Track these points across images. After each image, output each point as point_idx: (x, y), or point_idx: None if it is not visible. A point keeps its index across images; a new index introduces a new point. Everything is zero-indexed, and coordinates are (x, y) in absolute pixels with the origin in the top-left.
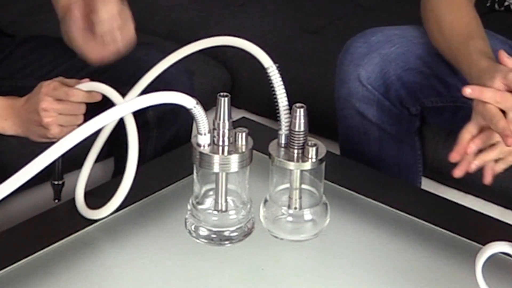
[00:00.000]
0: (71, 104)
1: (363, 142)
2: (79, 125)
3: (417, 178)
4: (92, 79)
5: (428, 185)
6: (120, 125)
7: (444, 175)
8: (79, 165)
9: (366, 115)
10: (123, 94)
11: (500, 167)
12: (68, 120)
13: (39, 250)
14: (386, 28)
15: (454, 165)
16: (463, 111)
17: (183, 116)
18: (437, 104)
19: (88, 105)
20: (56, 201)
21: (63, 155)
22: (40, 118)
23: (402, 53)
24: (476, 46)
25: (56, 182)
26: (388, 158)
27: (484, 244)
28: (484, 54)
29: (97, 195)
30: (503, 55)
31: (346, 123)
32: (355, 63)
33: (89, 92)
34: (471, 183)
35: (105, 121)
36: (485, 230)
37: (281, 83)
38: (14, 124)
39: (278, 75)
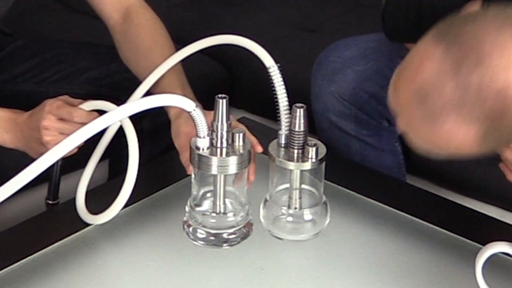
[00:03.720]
0: (73, 124)
1: (345, 153)
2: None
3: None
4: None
5: (427, 186)
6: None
7: (442, 178)
8: (76, 167)
9: (344, 129)
10: (124, 101)
11: None
12: None
13: (39, 250)
14: (360, 40)
15: (448, 165)
16: None
17: None
18: None
19: None
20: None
21: (59, 177)
22: (41, 136)
23: (379, 70)
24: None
25: (51, 202)
26: (371, 167)
27: (484, 244)
28: None
29: (96, 196)
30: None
31: (325, 135)
32: (329, 78)
33: (90, 111)
34: (470, 186)
35: (104, 124)
36: (485, 230)
37: (282, 83)
38: (15, 138)
39: (279, 75)
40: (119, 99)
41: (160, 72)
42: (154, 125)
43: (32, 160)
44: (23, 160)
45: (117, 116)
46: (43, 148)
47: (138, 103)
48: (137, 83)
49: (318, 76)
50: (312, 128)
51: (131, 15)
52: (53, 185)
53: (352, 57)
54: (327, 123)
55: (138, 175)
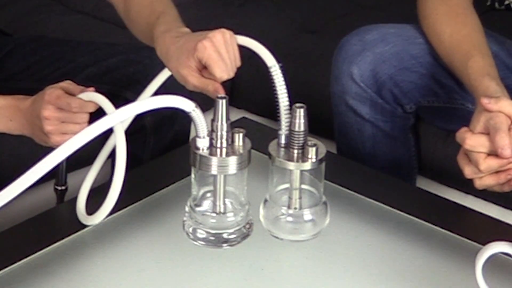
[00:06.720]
0: (72, 113)
1: (357, 138)
2: None
3: (412, 175)
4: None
5: (427, 185)
6: None
7: (443, 175)
8: (78, 166)
9: (359, 112)
10: (124, 97)
11: None
12: (70, 129)
13: (39, 251)
14: (382, 26)
15: (453, 165)
16: (459, 112)
17: (181, 122)
18: (433, 104)
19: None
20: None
21: (62, 161)
22: (42, 126)
23: (396, 52)
24: (475, 66)
25: (59, 188)
26: (382, 155)
27: (484, 244)
28: (482, 75)
29: (97, 196)
30: (484, 101)
31: (340, 119)
32: (349, 60)
33: (88, 101)
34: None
35: (104, 127)
36: (485, 230)
37: (283, 82)
38: (20, 125)
39: (281, 74)
40: (119, 96)
41: (165, 75)
42: (156, 121)
43: (32, 161)
44: (24, 160)
45: (114, 120)
46: (46, 137)
47: (135, 105)
48: (137, 78)
49: (339, 58)
50: (312, 128)
51: None
52: (60, 170)
53: (372, 40)
54: (344, 106)
55: (137, 175)
